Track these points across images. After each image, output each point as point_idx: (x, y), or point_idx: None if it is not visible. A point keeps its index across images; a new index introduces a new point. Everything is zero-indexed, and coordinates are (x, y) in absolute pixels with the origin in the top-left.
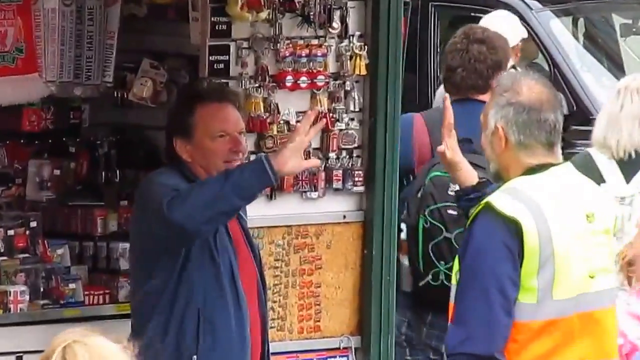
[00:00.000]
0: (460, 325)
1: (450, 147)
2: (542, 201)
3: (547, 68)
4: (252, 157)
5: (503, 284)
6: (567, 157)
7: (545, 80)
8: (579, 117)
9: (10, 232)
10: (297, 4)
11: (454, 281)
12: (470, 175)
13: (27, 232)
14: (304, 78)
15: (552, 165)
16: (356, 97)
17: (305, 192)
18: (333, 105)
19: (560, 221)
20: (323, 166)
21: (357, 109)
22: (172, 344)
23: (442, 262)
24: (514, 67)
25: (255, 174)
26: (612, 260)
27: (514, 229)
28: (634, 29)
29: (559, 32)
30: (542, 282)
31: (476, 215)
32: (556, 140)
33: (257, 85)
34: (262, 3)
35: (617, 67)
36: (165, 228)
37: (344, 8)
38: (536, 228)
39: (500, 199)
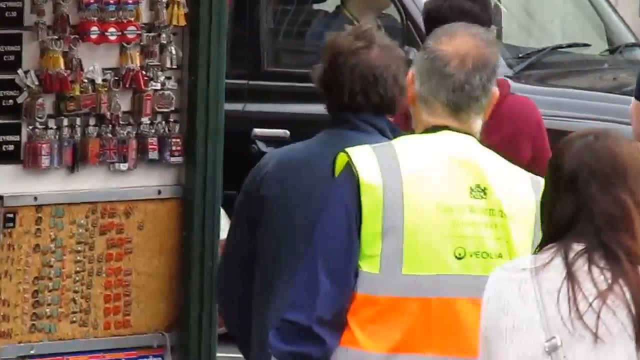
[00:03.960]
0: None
1: None
2: (408, 162)
3: (399, 20)
4: (50, 122)
5: (330, 247)
6: None
7: (491, 40)
8: None
9: None
10: None
11: None
12: None
13: None
14: (112, 29)
15: (448, 128)
16: (173, 52)
17: (113, 163)
18: (146, 61)
19: (424, 187)
20: (135, 133)
21: (174, 66)
22: None
23: None
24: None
25: None
26: (503, 248)
27: (356, 184)
28: None
29: None
30: (387, 251)
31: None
32: (463, 105)
33: (56, 37)
34: None
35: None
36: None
37: None
38: (382, 186)
39: (358, 150)
